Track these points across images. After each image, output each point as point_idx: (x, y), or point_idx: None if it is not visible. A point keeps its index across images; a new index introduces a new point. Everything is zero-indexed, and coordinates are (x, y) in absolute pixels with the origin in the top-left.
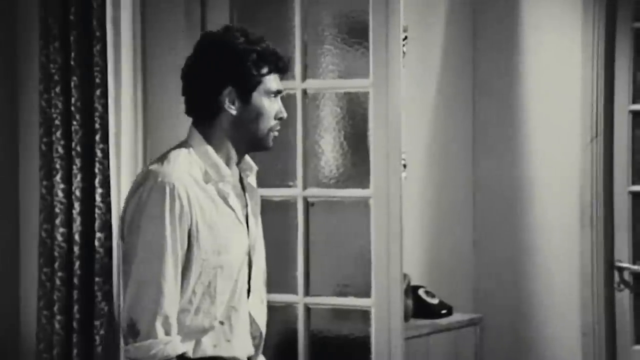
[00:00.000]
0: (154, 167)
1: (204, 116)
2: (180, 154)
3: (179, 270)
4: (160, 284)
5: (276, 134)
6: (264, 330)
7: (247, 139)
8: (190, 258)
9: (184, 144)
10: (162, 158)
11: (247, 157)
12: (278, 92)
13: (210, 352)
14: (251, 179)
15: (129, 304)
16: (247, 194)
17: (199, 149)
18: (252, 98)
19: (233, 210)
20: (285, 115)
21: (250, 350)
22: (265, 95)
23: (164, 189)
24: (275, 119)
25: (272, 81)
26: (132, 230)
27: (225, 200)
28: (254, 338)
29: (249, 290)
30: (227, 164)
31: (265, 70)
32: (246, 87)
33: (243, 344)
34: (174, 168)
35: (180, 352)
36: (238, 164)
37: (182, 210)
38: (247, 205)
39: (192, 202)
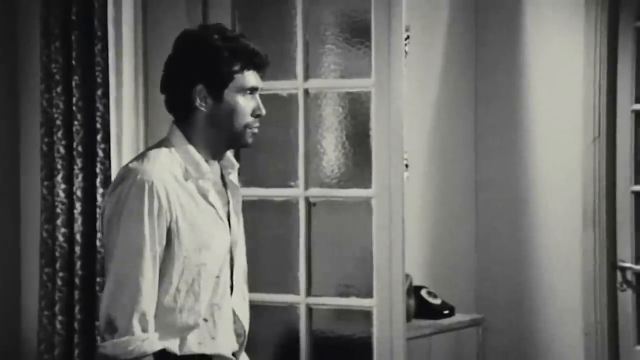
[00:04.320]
0: (133, 164)
1: (181, 114)
2: (161, 152)
3: (157, 267)
4: (138, 281)
5: (255, 131)
6: (247, 327)
7: (223, 136)
8: (172, 256)
9: (164, 141)
10: (142, 156)
11: (229, 154)
12: (254, 89)
13: (195, 349)
14: (233, 177)
15: (108, 300)
16: (228, 192)
17: (179, 146)
18: (224, 95)
19: (213, 207)
20: (263, 112)
21: (234, 347)
22: (238, 92)
23: (142, 186)
24: (252, 116)
25: (246, 78)
26: (111, 227)
27: (205, 197)
28: (238, 335)
29: (232, 288)
30: (207, 161)
31: (237, 67)
32: (217, 84)
33: (227, 341)
34: (153, 166)
35: (157, 349)
36: (219, 161)
37: (160, 208)
38: (228, 203)
39: (172, 199)
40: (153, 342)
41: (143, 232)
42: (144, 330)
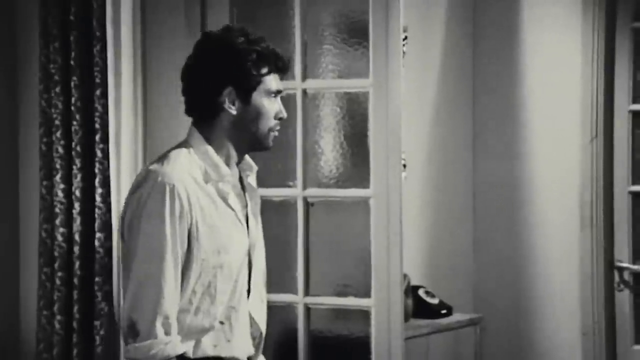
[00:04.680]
0: (154, 167)
1: (204, 116)
2: (181, 154)
3: (179, 270)
4: (160, 284)
5: (276, 133)
6: (264, 330)
7: (247, 138)
8: (190, 258)
9: (184, 143)
10: (162, 158)
11: (247, 157)
12: (278, 92)
13: (210, 352)
14: (251, 179)
15: (129, 304)
16: (247, 194)
17: (199, 148)
18: (252, 98)
19: (233, 209)
20: (285, 115)
21: (250, 350)
22: (265, 95)
23: (163, 188)
24: (275, 119)
25: (272, 81)
26: (132, 230)
27: (224, 200)
28: (254, 338)
29: (248, 291)
30: (227, 163)
31: (265, 70)
32: (246, 87)
33: (243, 344)
34: (174, 168)
35: (180, 352)
36: (238, 163)
37: (182, 210)
38: (247, 205)
39: (192, 202)
40: (176, 345)
41: (165, 234)
42: (167, 333)
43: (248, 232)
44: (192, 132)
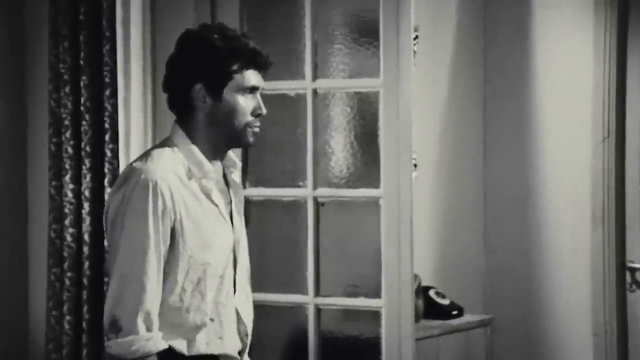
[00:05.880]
0: (137, 164)
1: (182, 112)
2: (164, 152)
3: (162, 267)
4: (143, 280)
5: (256, 130)
6: (250, 327)
7: (223, 135)
8: (176, 255)
9: (167, 141)
10: (146, 155)
11: (231, 154)
12: (254, 88)
13: (203, 349)
14: (235, 176)
15: (112, 300)
16: (231, 190)
17: (182, 146)
18: (223, 94)
19: (216, 205)
20: (264, 111)
21: (239, 346)
22: (238, 91)
23: (147, 186)
24: (252, 115)
25: (246, 77)
26: (115, 227)
27: (208, 196)
28: (241, 335)
29: (234, 287)
30: (209, 160)
31: (236, 66)
32: (216, 84)
33: (233, 341)
34: (157, 165)
35: (161, 348)
36: (221, 160)
37: (164, 207)
38: (231, 202)
39: (176, 199)
40: (157, 341)
41: (147, 232)
42: (149, 329)
43: (232, 228)
44: (175, 130)
